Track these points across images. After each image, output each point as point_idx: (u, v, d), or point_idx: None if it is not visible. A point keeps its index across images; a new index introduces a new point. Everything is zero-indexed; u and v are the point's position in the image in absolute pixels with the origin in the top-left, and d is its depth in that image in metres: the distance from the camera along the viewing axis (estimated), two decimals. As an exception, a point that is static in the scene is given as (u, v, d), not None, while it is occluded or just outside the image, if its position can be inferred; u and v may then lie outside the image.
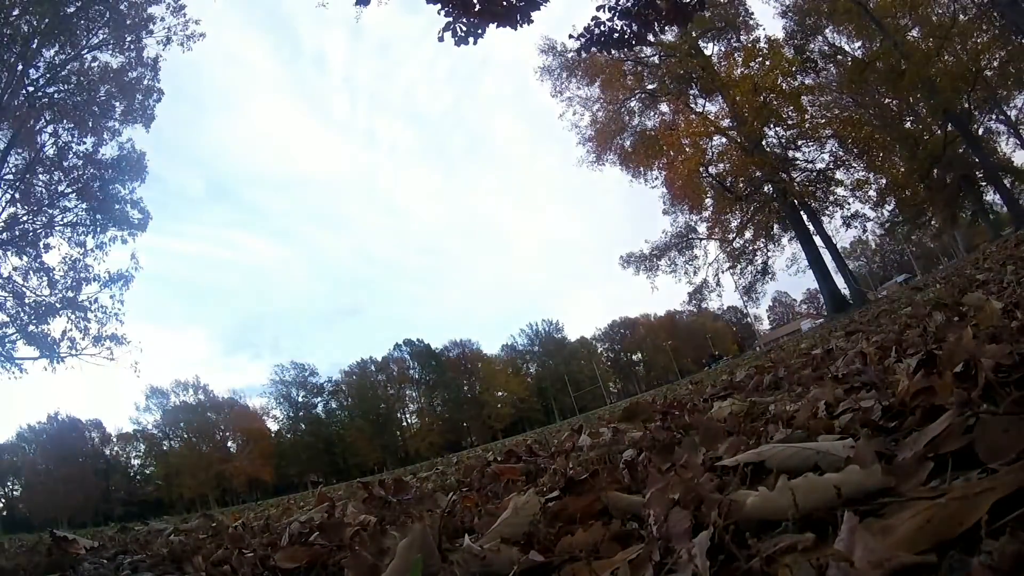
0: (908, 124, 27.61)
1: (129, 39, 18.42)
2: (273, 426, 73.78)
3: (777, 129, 27.28)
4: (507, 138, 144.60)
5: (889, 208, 28.50)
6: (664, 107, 28.55)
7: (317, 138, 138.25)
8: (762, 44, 26.50)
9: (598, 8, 9.12)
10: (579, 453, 2.48)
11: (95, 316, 18.23)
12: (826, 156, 27.15)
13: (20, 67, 16.87)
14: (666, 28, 15.55)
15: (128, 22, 18.17)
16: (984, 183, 27.45)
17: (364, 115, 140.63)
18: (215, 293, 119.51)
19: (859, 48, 27.71)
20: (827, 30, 28.01)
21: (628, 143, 28.88)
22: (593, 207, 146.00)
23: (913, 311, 4.80)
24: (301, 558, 1.51)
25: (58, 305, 17.84)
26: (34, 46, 16.94)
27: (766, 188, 26.74)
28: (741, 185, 27.48)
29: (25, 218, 17.87)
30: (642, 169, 28.93)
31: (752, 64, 25.73)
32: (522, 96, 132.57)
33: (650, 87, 28.95)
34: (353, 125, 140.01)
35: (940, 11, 25.62)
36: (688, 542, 0.86)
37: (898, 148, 26.54)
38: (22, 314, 17.50)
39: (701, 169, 26.83)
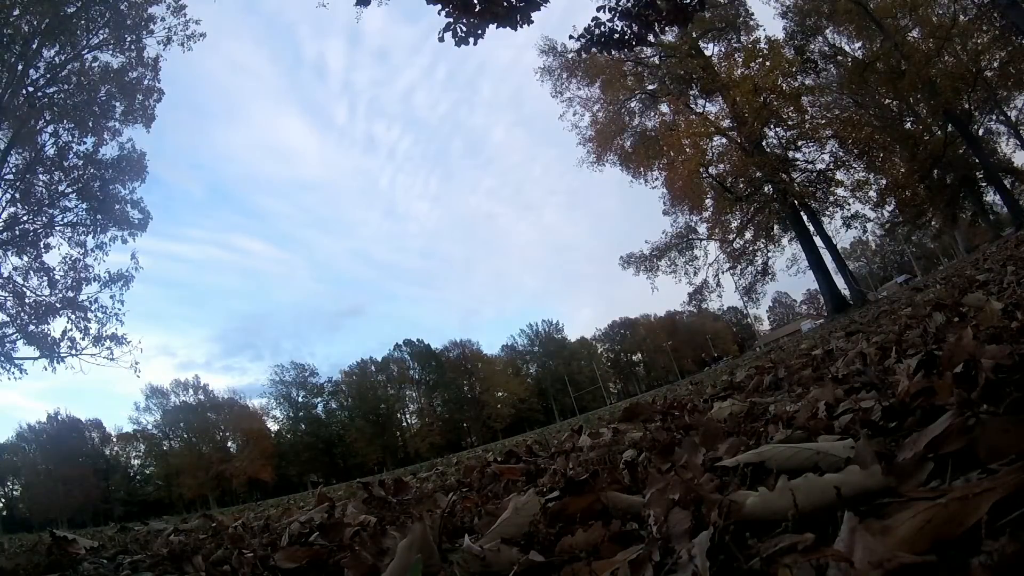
0: (908, 125, 27.60)
1: (129, 39, 18.38)
2: (273, 426, 73.86)
3: (777, 130, 27.26)
4: (505, 141, 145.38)
5: (889, 209, 28.47)
6: (664, 108, 28.51)
7: (317, 143, 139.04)
8: (762, 45, 26.46)
9: (598, 9, 9.14)
10: (579, 453, 2.48)
11: (95, 316, 18.18)
12: (826, 157, 27.11)
13: (20, 67, 16.85)
14: (666, 29, 15.54)
15: (128, 22, 18.13)
16: (984, 184, 27.45)
17: (363, 120, 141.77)
18: (216, 294, 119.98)
19: (859, 49, 27.73)
20: (827, 31, 28.02)
21: (628, 143, 28.86)
22: (593, 208, 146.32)
23: (913, 312, 4.80)
24: (301, 558, 1.51)
25: (58, 305, 17.81)
26: (34, 46, 16.91)
27: (766, 188, 26.69)
28: (741, 186, 27.45)
29: (25, 218, 17.84)
30: (642, 169, 28.90)
31: (752, 65, 25.70)
32: (520, 100, 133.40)
33: (650, 87, 28.92)
34: (352, 130, 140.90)
35: (940, 12, 25.63)
36: (688, 542, 0.86)
37: (898, 149, 26.52)
38: (22, 314, 17.48)
39: (701, 170, 26.79)
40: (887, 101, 27.29)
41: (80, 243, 18.38)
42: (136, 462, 68.55)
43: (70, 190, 18.21)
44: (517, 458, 2.82)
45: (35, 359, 17.47)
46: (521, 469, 2.33)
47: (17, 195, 17.51)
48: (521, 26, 8.45)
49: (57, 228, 18.17)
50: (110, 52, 18.45)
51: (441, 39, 8.31)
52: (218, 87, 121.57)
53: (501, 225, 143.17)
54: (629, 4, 8.98)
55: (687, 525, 0.92)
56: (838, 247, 26.54)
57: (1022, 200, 26.04)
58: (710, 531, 0.85)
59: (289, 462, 69.28)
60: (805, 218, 26.18)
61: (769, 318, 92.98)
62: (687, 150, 26.13)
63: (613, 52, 10.07)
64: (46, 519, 48.09)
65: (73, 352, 17.61)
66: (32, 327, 17.36)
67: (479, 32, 8.33)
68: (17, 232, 17.49)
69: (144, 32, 18.54)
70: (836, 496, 0.83)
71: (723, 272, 28.85)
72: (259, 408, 73.18)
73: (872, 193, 27.03)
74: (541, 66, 29.02)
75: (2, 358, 17.08)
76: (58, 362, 17.41)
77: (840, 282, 26.36)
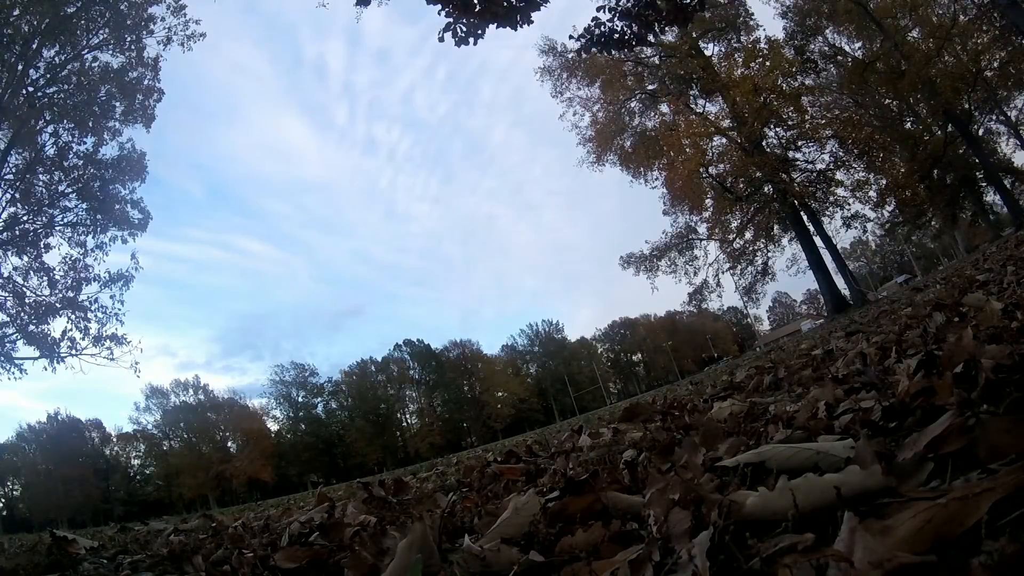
0: (908, 125, 27.61)
1: (129, 39, 18.39)
2: (273, 426, 73.86)
3: (777, 130, 27.26)
4: (505, 141, 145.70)
5: (889, 209, 28.47)
6: (664, 108, 28.50)
7: (317, 143, 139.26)
8: (762, 45, 26.48)
9: (598, 9, 9.15)
10: (579, 453, 2.48)
11: (95, 316, 18.18)
12: (826, 157, 27.12)
13: (20, 67, 16.86)
14: (666, 29, 15.56)
15: (128, 22, 18.14)
16: (984, 184, 27.46)
17: (363, 121, 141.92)
18: (216, 295, 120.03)
19: (859, 49, 27.74)
20: (827, 31, 28.02)
21: (628, 144, 28.86)
22: (593, 209, 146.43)
23: (913, 312, 4.79)
24: (301, 558, 1.51)
25: (58, 305, 17.81)
26: (34, 46, 16.91)
27: (766, 189, 26.70)
28: (741, 186, 27.45)
29: (25, 218, 17.84)
30: (642, 170, 28.91)
31: (752, 65, 25.70)
32: (520, 100, 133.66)
33: (650, 87, 28.92)
34: (352, 130, 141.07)
35: (940, 12, 25.64)
36: (688, 542, 0.86)
37: (898, 149, 26.53)
38: (22, 314, 17.48)
39: (701, 170, 26.78)
40: (887, 101, 27.30)
41: (80, 243, 18.41)
42: (136, 462, 68.63)
43: (70, 190, 18.22)
44: (517, 458, 2.82)
45: (35, 359, 17.50)
46: (521, 469, 2.33)
47: (17, 195, 17.51)
48: (521, 26, 8.46)
49: (57, 228, 18.19)
50: (110, 52, 18.48)
51: (441, 39, 8.32)
52: (218, 87, 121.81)
53: (501, 225, 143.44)
54: (629, 4, 8.98)
55: (687, 525, 0.92)
56: (838, 247, 26.56)
57: (1022, 200, 26.04)
58: (710, 531, 0.85)
59: (289, 462, 69.28)
60: (805, 218, 26.18)
61: (769, 318, 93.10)
62: (687, 150, 26.12)
63: (613, 52, 10.08)
64: (46, 519, 48.09)
65: (73, 352, 17.63)
66: (32, 327, 17.37)
67: (479, 32, 8.33)
68: (17, 232, 17.49)
69: (144, 32, 18.55)
70: (836, 496, 0.83)
71: (723, 272, 28.89)
72: (259, 408, 73.27)
73: (872, 193, 27.08)
74: (541, 66, 29.08)
75: (2, 358, 17.08)
76: (58, 362, 17.43)
77: (840, 282, 26.36)
